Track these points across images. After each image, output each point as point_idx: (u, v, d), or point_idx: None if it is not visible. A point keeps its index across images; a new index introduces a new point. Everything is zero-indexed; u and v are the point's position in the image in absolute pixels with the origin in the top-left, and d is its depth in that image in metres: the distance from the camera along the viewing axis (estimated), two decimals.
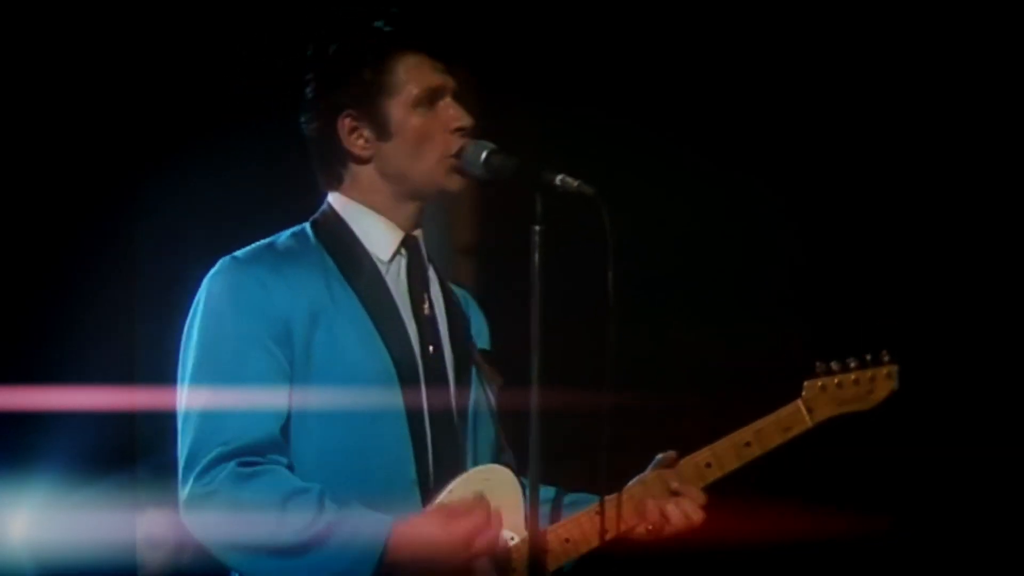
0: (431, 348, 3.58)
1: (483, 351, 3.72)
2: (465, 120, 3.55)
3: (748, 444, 3.63)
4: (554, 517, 3.61)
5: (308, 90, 3.56)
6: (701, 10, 5.31)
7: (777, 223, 5.34)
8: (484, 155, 3.49)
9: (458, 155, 3.52)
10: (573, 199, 3.36)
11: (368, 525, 3.35)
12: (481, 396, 3.65)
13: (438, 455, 3.52)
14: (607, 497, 3.53)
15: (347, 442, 3.45)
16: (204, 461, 3.35)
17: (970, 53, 5.25)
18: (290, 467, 3.42)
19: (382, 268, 3.58)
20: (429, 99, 3.54)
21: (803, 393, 3.66)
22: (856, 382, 3.68)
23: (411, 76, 3.54)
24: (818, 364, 3.68)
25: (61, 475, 5.00)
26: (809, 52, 5.31)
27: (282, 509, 3.33)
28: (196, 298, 3.50)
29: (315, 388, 3.43)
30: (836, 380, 3.67)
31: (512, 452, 3.63)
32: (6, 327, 5.01)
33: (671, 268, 5.24)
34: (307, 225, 3.62)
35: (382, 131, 3.54)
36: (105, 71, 5.09)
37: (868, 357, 3.70)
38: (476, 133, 3.56)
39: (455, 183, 3.57)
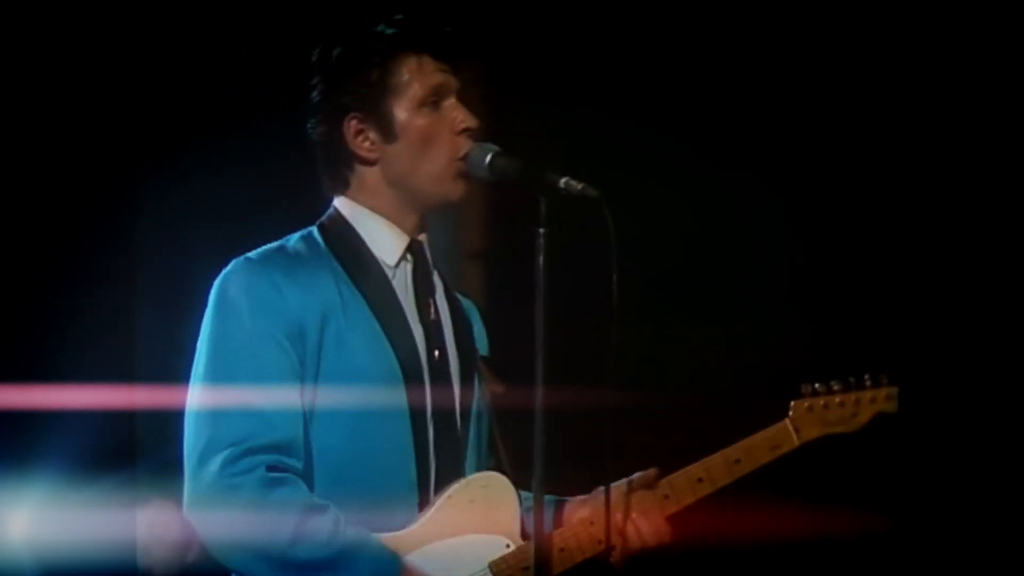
0: (436, 353, 3.59)
1: (484, 358, 3.74)
2: (471, 121, 3.56)
3: (738, 461, 3.68)
4: (553, 525, 3.61)
5: (314, 94, 3.57)
6: (702, 10, 5.32)
7: (778, 223, 5.35)
8: (489, 158, 3.50)
9: (464, 159, 3.54)
10: (577, 201, 3.38)
11: (379, 561, 3.40)
12: (482, 401, 3.66)
13: (439, 458, 3.54)
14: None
15: (350, 443, 3.47)
16: (225, 455, 3.35)
17: (970, 53, 5.26)
18: (305, 472, 3.45)
19: (388, 273, 3.59)
20: (434, 100, 3.55)
21: (790, 413, 3.72)
22: (841, 404, 3.74)
23: (415, 76, 3.54)
24: (804, 386, 3.73)
25: (61, 474, 5.01)
26: (810, 52, 5.31)
27: (300, 523, 3.35)
28: (209, 298, 3.52)
29: (323, 388, 3.45)
30: (822, 401, 3.73)
31: (509, 456, 3.65)
32: (7, 326, 5.02)
33: (673, 269, 5.25)
34: (314, 229, 3.63)
35: (388, 133, 3.55)
36: (105, 71, 5.10)
37: (852, 380, 3.76)
38: (481, 134, 3.57)
39: (458, 192, 3.58)
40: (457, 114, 3.55)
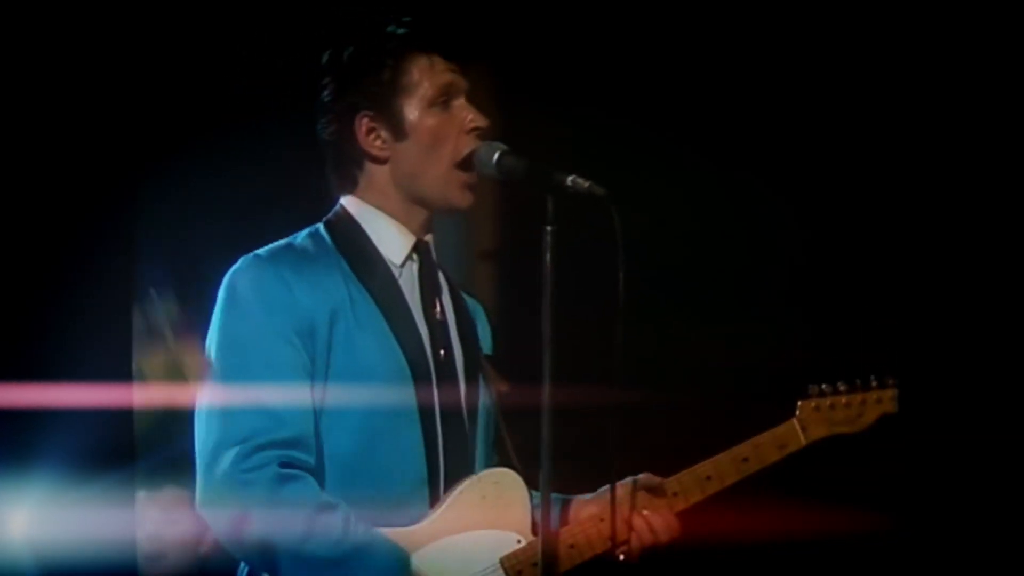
0: (442, 352, 3.63)
1: (488, 357, 3.77)
2: (480, 121, 3.59)
3: (746, 459, 3.73)
4: (560, 521, 3.66)
5: (325, 93, 3.60)
6: (702, 11, 5.34)
7: (783, 224, 5.36)
8: (496, 156, 3.53)
9: (470, 162, 3.57)
10: (584, 200, 3.40)
11: (389, 559, 3.43)
12: (488, 399, 3.70)
13: (448, 455, 3.57)
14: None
15: (360, 441, 3.50)
16: (236, 451, 3.37)
17: (970, 53, 5.28)
18: (317, 469, 3.47)
19: (395, 272, 3.62)
20: (443, 99, 3.58)
21: (797, 412, 3.76)
22: (847, 405, 3.80)
23: (425, 76, 3.58)
24: (811, 387, 3.78)
25: (60, 472, 5.01)
26: (811, 53, 5.33)
27: (311, 519, 3.38)
28: (218, 294, 3.53)
29: (333, 386, 3.48)
30: (829, 402, 3.78)
31: (515, 452, 3.68)
32: (6, 326, 5.02)
33: (678, 268, 5.26)
34: (321, 226, 3.66)
35: (398, 131, 3.58)
36: (106, 71, 5.09)
37: (858, 382, 3.80)
38: (490, 134, 3.60)
39: (465, 199, 3.61)
40: (467, 114, 3.59)
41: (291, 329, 3.46)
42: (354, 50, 3.59)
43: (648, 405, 3.89)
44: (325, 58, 3.61)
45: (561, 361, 3.34)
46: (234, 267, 3.55)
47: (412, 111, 3.58)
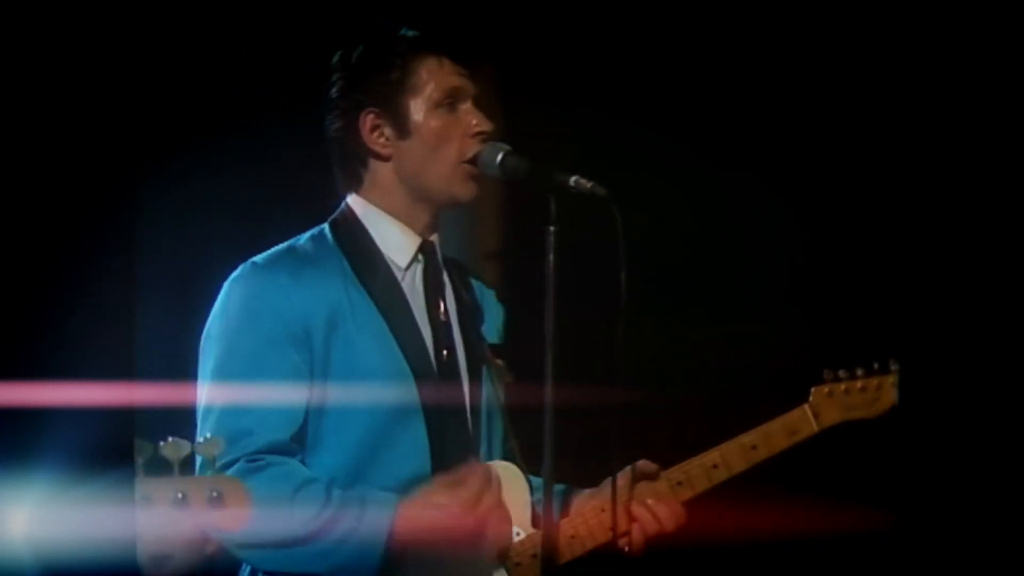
0: (445, 353, 3.65)
1: (495, 346, 3.77)
2: (485, 125, 3.61)
3: (755, 447, 3.71)
4: (562, 513, 3.66)
5: (333, 91, 3.63)
6: (703, 11, 5.35)
7: (784, 223, 5.38)
8: (500, 157, 3.55)
9: (474, 160, 3.58)
10: (586, 200, 3.41)
11: (374, 509, 3.42)
12: (492, 394, 3.71)
13: (452, 455, 3.59)
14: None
15: (364, 445, 3.52)
16: (220, 463, 3.37)
17: (970, 53, 5.29)
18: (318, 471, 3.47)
19: (398, 273, 3.64)
20: (449, 101, 3.61)
21: (810, 399, 3.73)
22: (863, 389, 3.76)
23: (433, 77, 3.62)
24: (826, 372, 3.75)
25: (61, 471, 5.00)
26: (811, 52, 5.34)
27: (291, 501, 3.40)
28: (216, 301, 3.55)
29: (334, 389, 3.49)
30: (843, 387, 3.75)
31: (518, 445, 3.68)
32: (6, 325, 5.01)
33: (676, 268, 5.27)
34: (326, 226, 3.67)
35: (402, 129, 3.61)
36: (105, 71, 5.09)
37: (876, 366, 3.78)
38: (495, 137, 3.62)
39: (468, 192, 3.62)
40: (472, 118, 3.61)
41: (285, 339, 3.48)
42: (364, 49, 3.63)
43: (649, 404, 3.89)
44: (336, 58, 3.64)
45: (563, 360, 3.35)
46: (233, 275, 3.57)
47: (418, 111, 3.61)
